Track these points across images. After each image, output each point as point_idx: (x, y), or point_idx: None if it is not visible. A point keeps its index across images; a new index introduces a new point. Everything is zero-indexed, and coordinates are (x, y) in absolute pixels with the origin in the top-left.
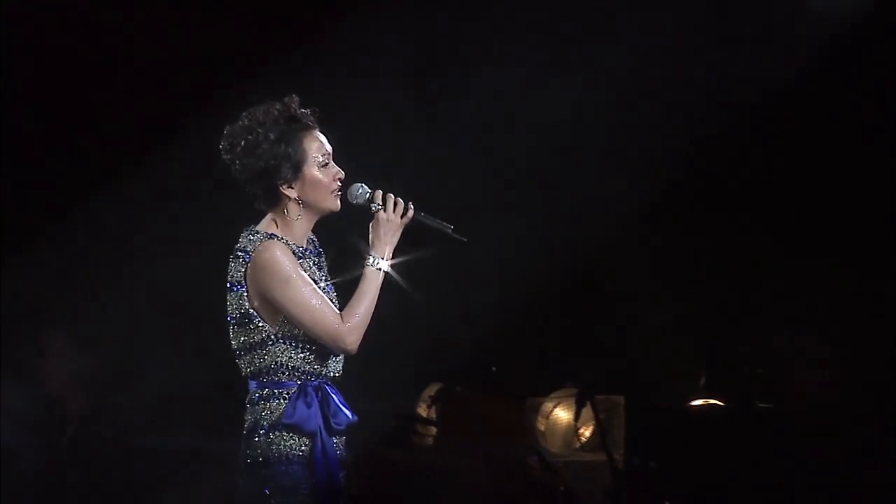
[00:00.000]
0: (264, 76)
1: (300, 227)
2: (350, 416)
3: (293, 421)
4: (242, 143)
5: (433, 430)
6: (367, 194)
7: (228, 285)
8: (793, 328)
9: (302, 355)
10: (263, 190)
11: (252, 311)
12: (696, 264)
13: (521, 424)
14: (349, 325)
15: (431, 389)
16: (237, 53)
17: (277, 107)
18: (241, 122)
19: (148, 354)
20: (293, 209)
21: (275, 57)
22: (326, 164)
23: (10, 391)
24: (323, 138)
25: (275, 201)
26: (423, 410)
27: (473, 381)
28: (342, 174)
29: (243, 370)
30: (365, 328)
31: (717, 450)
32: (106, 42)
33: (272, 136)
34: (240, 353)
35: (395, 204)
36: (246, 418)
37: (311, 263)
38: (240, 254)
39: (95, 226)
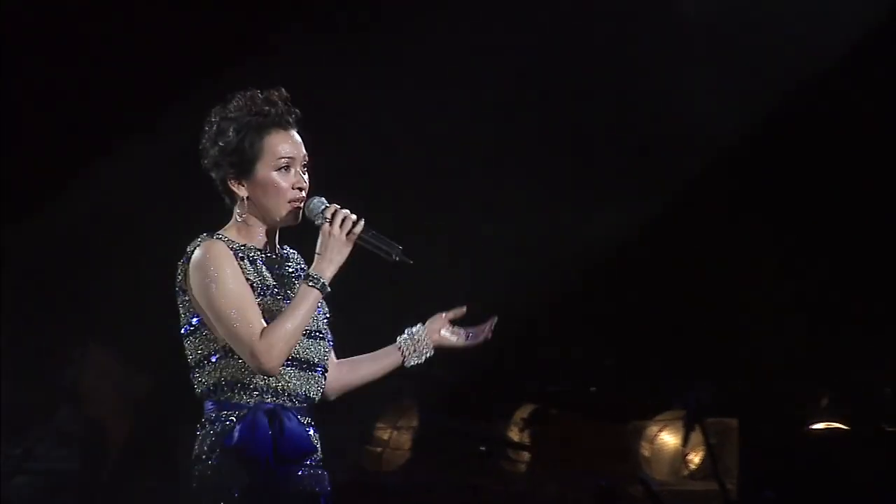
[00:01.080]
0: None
1: (257, 230)
2: (309, 444)
3: (233, 445)
4: (213, 128)
5: (526, 455)
6: (321, 207)
7: (175, 293)
8: None
9: (251, 370)
10: (217, 182)
11: (198, 319)
12: (818, 278)
13: (623, 449)
14: (267, 340)
15: (524, 411)
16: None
17: (253, 98)
18: (220, 106)
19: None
20: (242, 208)
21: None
22: (286, 168)
23: (63, 413)
24: (294, 142)
25: (231, 198)
26: (514, 434)
27: (570, 402)
28: (304, 184)
29: (196, 388)
30: (289, 349)
31: (840, 478)
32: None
33: (235, 126)
34: (192, 369)
35: (344, 219)
36: (194, 445)
37: (261, 267)
38: (183, 257)
39: (144, 238)
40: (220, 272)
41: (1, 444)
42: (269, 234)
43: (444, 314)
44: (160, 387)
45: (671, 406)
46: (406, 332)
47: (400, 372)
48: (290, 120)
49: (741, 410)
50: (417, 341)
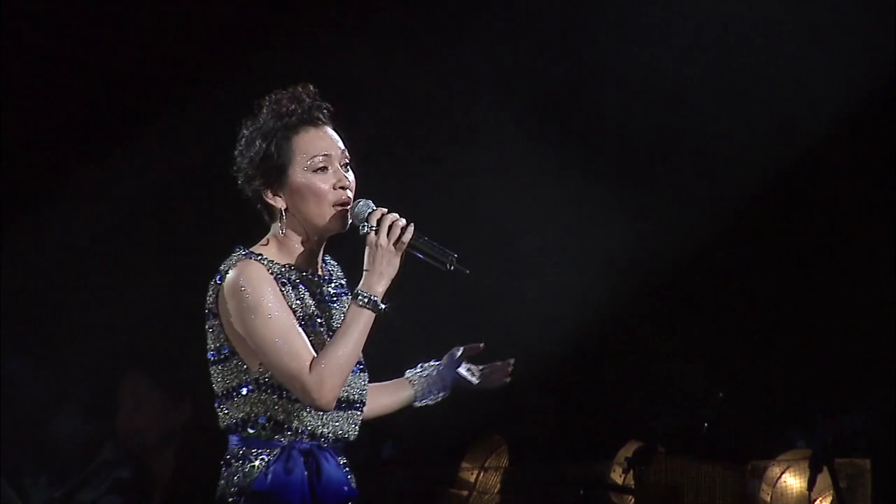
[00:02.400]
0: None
1: (299, 246)
2: (349, 489)
3: (265, 489)
4: (242, 141)
5: (630, 499)
6: (366, 212)
7: (205, 315)
8: None
9: (289, 407)
10: (252, 197)
11: (228, 346)
12: None
13: (741, 493)
14: (318, 373)
15: (628, 449)
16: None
17: (279, 98)
18: (249, 116)
19: None
20: (281, 222)
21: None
22: (322, 168)
23: (108, 451)
24: (327, 138)
25: (269, 213)
26: (617, 475)
27: (681, 440)
28: (347, 182)
29: (221, 422)
30: (342, 380)
31: None
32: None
33: (262, 133)
34: (218, 399)
35: (391, 226)
36: (219, 482)
37: (304, 292)
38: (216, 276)
39: (177, 255)
40: (260, 298)
41: (42, 482)
42: (314, 249)
43: (459, 350)
44: (200, 412)
45: (795, 445)
46: (419, 366)
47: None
48: (321, 115)
49: (875, 450)
50: (431, 380)
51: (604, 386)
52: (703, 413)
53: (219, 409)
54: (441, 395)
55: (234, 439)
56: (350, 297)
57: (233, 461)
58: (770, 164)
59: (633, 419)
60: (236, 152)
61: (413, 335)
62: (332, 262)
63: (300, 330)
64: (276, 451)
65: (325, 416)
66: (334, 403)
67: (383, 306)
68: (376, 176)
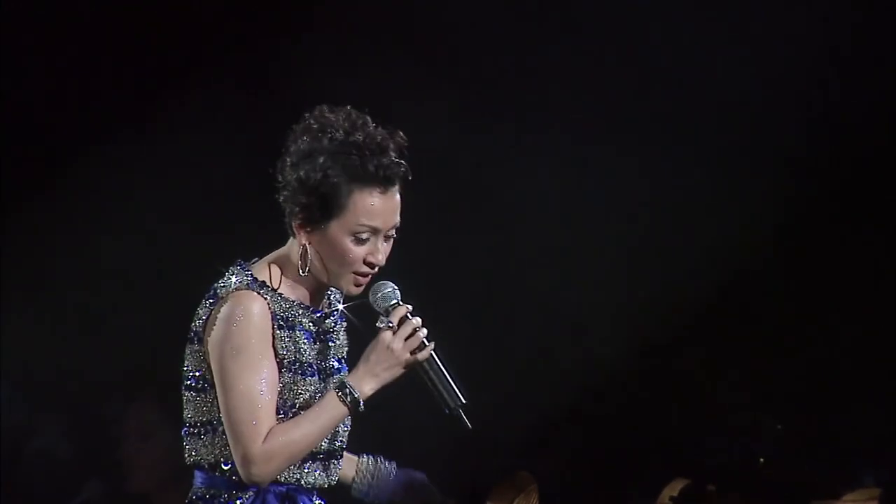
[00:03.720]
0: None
1: (310, 282)
2: None
3: None
4: (299, 147)
5: None
6: (391, 302)
7: (189, 335)
8: None
9: None
10: (284, 209)
11: (207, 377)
12: None
13: None
14: (268, 450)
15: (674, 488)
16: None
17: (364, 133)
18: (317, 120)
19: None
20: (304, 261)
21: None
22: (364, 238)
23: (92, 489)
24: (388, 208)
25: (292, 234)
26: None
27: (734, 478)
28: (379, 260)
29: (187, 456)
30: (288, 463)
31: None
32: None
33: (326, 161)
34: (187, 428)
35: (411, 335)
36: None
37: (301, 336)
38: (210, 294)
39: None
40: (248, 342)
41: None
42: (323, 289)
43: (419, 483)
44: None
45: (862, 483)
46: (376, 460)
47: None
48: (395, 178)
49: None
50: (376, 482)
51: (646, 417)
52: (758, 447)
53: (185, 441)
54: (374, 499)
55: (200, 477)
56: (344, 331)
57: (199, 502)
58: (834, 173)
59: (680, 454)
60: (288, 161)
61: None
62: (336, 294)
63: (274, 396)
64: (250, 494)
65: (303, 468)
66: (269, 482)
67: (362, 408)
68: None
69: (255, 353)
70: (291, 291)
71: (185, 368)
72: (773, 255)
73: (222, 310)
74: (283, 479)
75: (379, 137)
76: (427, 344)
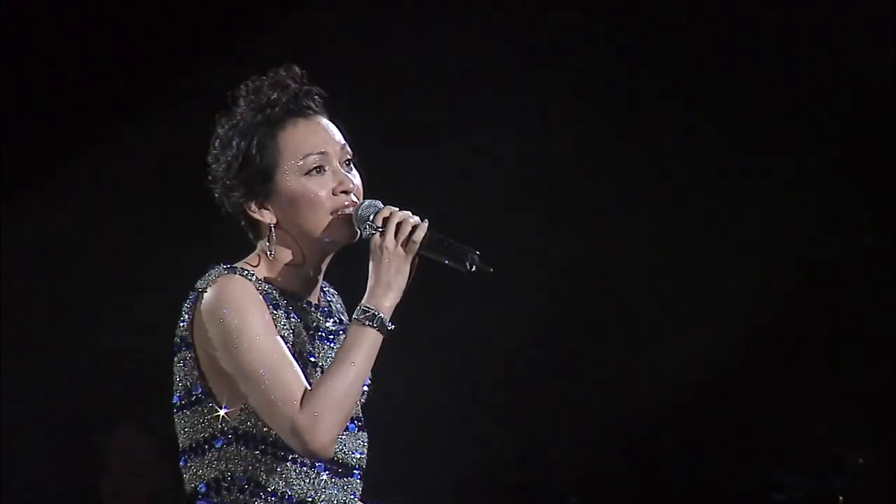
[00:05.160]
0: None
1: (294, 268)
2: None
3: None
4: (216, 142)
5: None
6: (371, 212)
7: (174, 345)
8: None
9: (275, 466)
10: (233, 211)
11: (202, 386)
12: None
13: None
14: (311, 409)
15: None
16: None
17: (259, 87)
18: (225, 112)
19: None
20: (271, 240)
21: None
22: (318, 168)
23: None
24: (322, 131)
25: (255, 230)
26: None
27: None
28: (349, 185)
29: (186, 483)
30: (342, 417)
31: None
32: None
33: (239, 131)
34: (184, 456)
35: (399, 226)
36: None
37: (298, 322)
38: (191, 297)
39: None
40: (246, 318)
41: None
42: (312, 273)
43: None
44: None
45: None
46: None
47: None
48: (311, 104)
49: None
50: None
51: (710, 449)
52: (837, 482)
53: (184, 469)
54: None
55: None
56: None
57: None
58: None
59: (749, 489)
60: (210, 157)
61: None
62: (331, 291)
63: (293, 359)
64: None
65: (317, 482)
66: (332, 448)
67: (391, 326)
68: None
69: (256, 325)
70: (275, 281)
71: (175, 387)
72: (866, 280)
73: (206, 301)
74: (293, 497)
75: (272, 80)
76: (417, 226)
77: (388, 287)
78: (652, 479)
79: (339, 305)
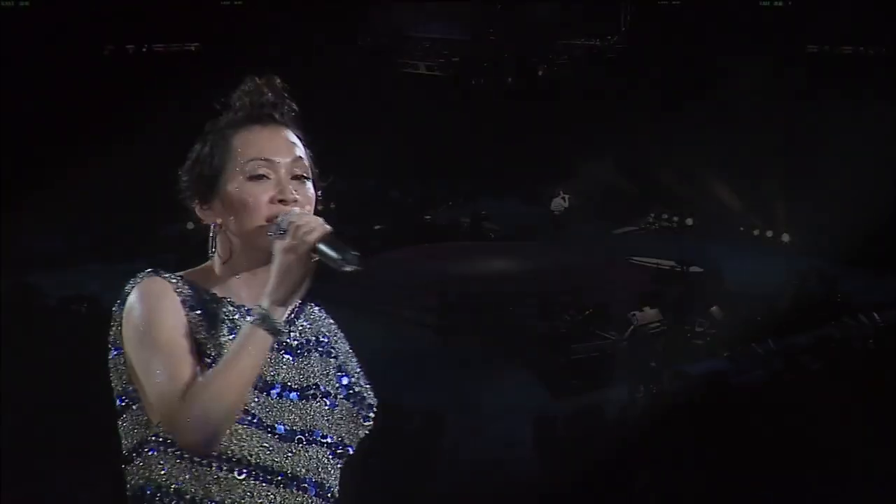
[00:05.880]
0: None
1: (240, 275)
2: None
3: None
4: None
5: None
6: (286, 222)
7: (108, 351)
8: None
9: (209, 476)
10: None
11: (131, 389)
12: None
13: None
14: (190, 402)
15: None
16: None
17: (236, 94)
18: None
19: None
20: (211, 242)
21: None
22: (261, 176)
23: None
24: (273, 139)
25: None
26: None
27: None
28: (289, 196)
29: (128, 488)
30: (221, 416)
31: None
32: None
33: (204, 132)
34: (125, 463)
35: (299, 228)
36: None
37: (223, 328)
38: (118, 302)
39: None
40: (152, 314)
41: None
42: (256, 275)
43: None
44: None
45: None
46: None
47: None
48: (276, 113)
49: None
50: None
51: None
52: None
53: (125, 473)
54: None
55: None
56: (326, 355)
57: None
58: None
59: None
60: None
61: None
62: (314, 307)
63: (193, 356)
64: None
65: (256, 493)
66: (205, 446)
67: (280, 327)
68: None
69: (161, 319)
70: (217, 286)
71: (114, 390)
72: None
73: (126, 304)
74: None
75: (248, 88)
76: (317, 229)
77: (278, 287)
78: None
79: (319, 323)
